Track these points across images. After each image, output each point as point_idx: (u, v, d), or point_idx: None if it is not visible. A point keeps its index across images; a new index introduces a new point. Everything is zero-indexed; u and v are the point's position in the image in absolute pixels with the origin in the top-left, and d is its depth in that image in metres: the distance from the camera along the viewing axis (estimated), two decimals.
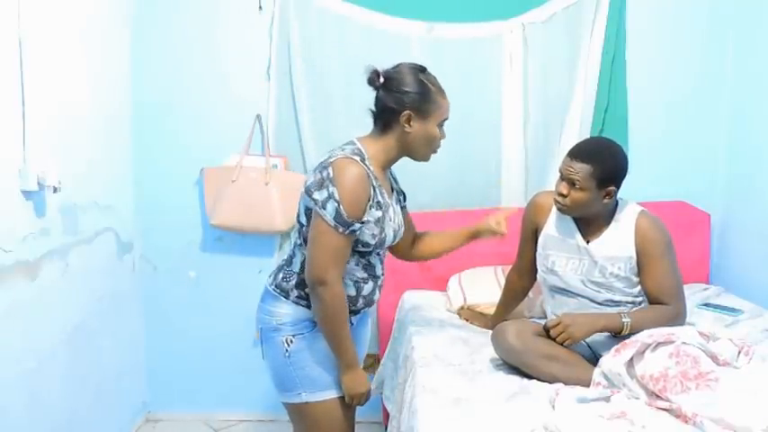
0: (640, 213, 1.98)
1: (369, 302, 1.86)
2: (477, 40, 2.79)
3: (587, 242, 1.99)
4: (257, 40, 2.79)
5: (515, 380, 1.86)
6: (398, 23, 2.77)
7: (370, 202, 1.69)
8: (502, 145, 2.84)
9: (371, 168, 1.72)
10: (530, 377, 1.86)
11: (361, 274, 1.79)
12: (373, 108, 1.78)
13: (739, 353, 1.83)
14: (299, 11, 2.75)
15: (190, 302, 2.96)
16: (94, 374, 2.47)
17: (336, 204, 1.63)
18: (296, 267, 1.78)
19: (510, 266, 2.29)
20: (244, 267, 2.91)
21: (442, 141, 1.79)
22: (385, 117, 1.75)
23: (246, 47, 2.82)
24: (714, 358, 1.76)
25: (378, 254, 1.83)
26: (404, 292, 2.72)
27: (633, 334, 1.83)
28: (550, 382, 1.81)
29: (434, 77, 1.78)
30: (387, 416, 2.49)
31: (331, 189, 1.64)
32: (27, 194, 1.99)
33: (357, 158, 1.69)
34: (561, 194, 1.94)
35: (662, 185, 2.87)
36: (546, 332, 1.86)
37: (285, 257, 1.85)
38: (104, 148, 2.57)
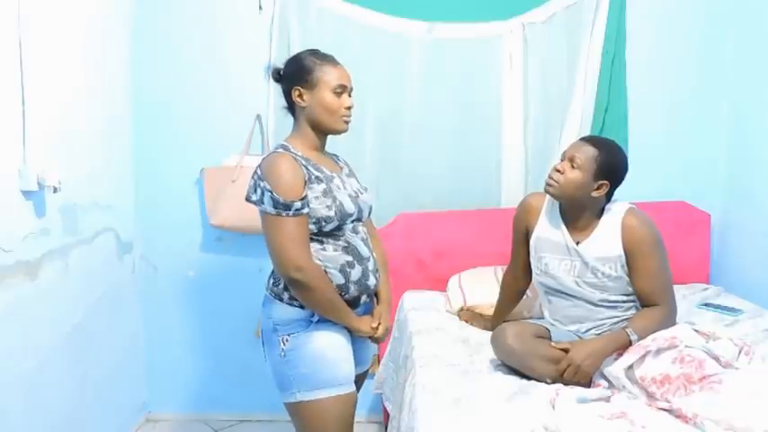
0: (627, 211, 1.94)
1: (363, 289, 1.82)
2: (477, 40, 2.79)
3: (576, 243, 1.96)
4: (257, 40, 2.79)
5: (515, 380, 1.85)
6: (398, 23, 2.77)
7: (307, 179, 1.73)
8: (502, 145, 2.83)
9: (299, 153, 1.78)
10: (529, 378, 1.86)
11: (344, 258, 1.78)
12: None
13: (739, 353, 1.83)
14: (299, 11, 2.74)
15: (190, 302, 2.96)
16: (94, 374, 2.46)
17: (270, 193, 1.69)
18: None
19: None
20: (243, 267, 2.90)
21: (349, 109, 1.80)
22: (288, 103, 1.84)
23: (246, 47, 2.81)
24: (717, 360, 1.75)
25: (355, 231, 1.82)
26: (404, 292, 2.72)
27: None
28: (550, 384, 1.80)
29: (324, 54, 1.82)
30: (387, 416, 2.49)
31: (262, 184, 1.71)
32: (27, 194, 1.99)
33: (281, 150, 1.78)
34: (557, 171, 1.91)
35: (662, 185, 2.87)
36: (560, 375, 1.82)
37: None
38: (104, 149, 2.57)
